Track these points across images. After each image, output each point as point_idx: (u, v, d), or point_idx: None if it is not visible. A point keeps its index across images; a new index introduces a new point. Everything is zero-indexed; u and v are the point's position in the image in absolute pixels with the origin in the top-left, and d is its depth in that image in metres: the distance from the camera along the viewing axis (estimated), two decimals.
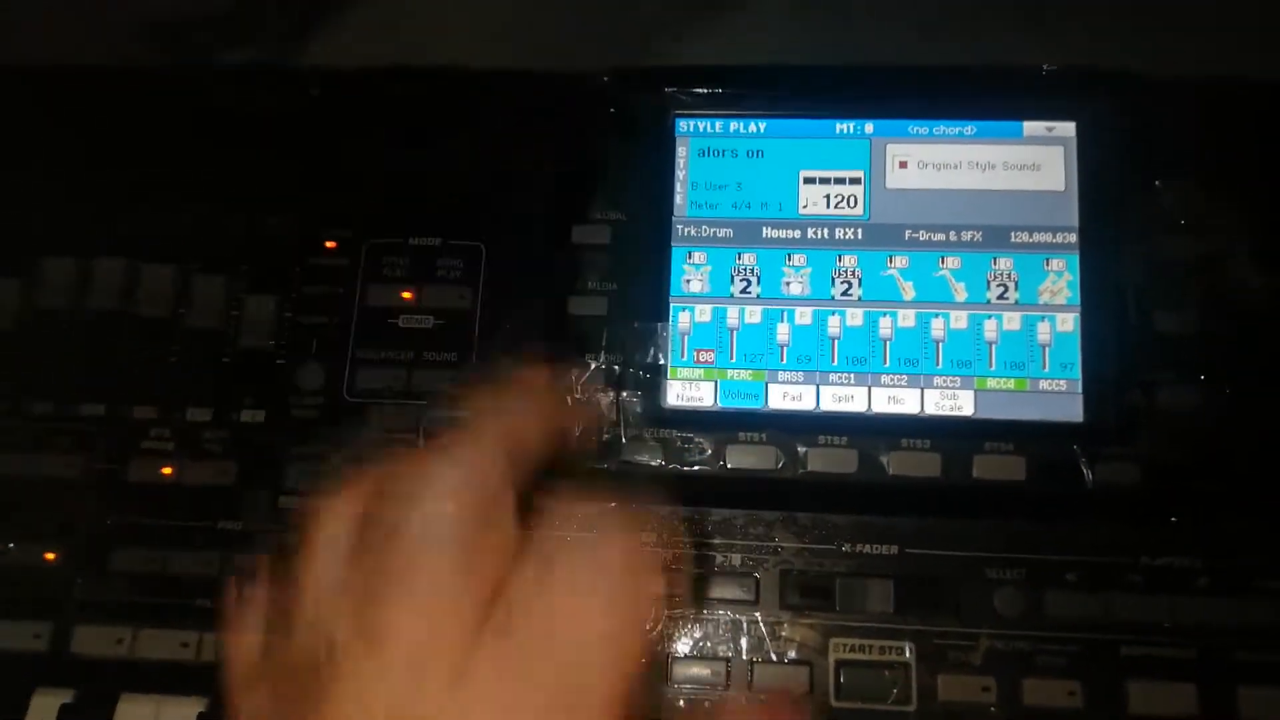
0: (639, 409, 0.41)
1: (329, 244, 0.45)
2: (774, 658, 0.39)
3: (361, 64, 0.49)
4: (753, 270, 0.43)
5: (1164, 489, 0.39)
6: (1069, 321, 0.41)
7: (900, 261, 0.43)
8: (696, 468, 0.41)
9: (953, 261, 0.42)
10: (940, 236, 0.43)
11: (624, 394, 0.41)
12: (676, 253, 0.43)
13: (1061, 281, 0.42)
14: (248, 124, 0.47)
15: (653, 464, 0.41)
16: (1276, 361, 0.40)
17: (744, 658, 0.39)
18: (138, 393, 0.43)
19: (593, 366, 0.42)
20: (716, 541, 0.41)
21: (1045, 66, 0.43)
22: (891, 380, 0.42)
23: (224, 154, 0.47)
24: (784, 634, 0.39)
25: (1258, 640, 0.39)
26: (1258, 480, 0.40)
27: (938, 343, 0.42)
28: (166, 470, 0.42)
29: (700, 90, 0.44)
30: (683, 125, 0.44)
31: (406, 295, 0.44)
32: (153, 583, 0.41)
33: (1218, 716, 0.38)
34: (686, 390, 0.42)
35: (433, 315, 0.44)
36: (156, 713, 0.41)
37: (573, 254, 0.43)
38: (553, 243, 0.43)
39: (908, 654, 0.39)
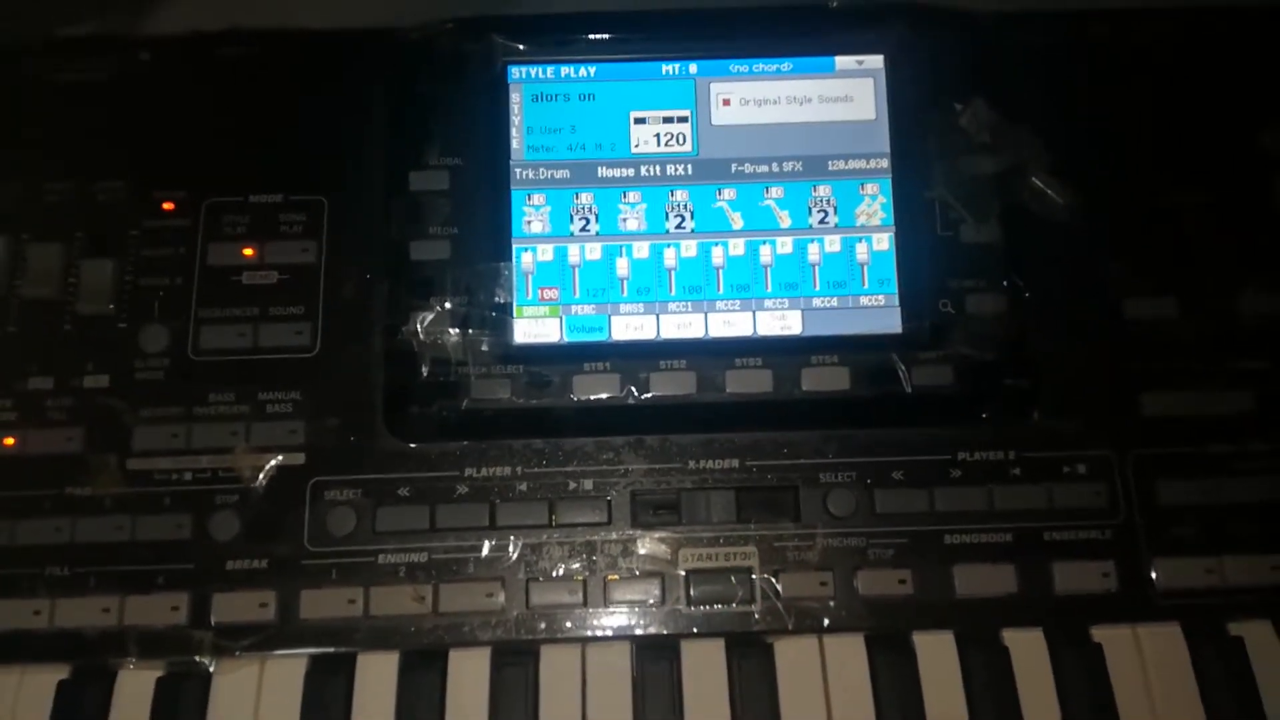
0: (486, 348, 0.43)
1: (166, 205, 0.44)
2: (627, 573, 0.41)
3: (193, 29, 0.48)
4: (590, 209, 0.45)
5: (975, 388, 0.43)
6: (885, 241, 0.44)
7: (728, 194, 0.45)
8: (546, 400, 0.42)
9: (776, 191, 0.45)
10: (764, 168, 0.45)
11: (470, 333, 0.43)
12: (516, 195, 0.44)
13: (876, 204, 0.45)
14: (79, 92, 0.46)
15: (503, 399, 0.42)
16: (1070, 264, 0.44)
17: (599, 575, 0.41)
18: None
19: (438, 309, 0.43)
20: (569, 469, 0.42)
21: (841, 2, 0.45)
22: (726, 305, 0.44)
23: (54, 122, 0.46)
24: (636, 550, 0.41)
25: (1066, 520, 0.42)
26: (1057, 375, 0.43)
27: (766, 268, 0.44)
28: (9, 441, 0.42)
29: (530, 37, 0.45)
30: (515, 72, 0.46)
31: (249, 252, 0.44)
32: (1, 554, 0.40)
33: (1035, 591, 0.41)
34: (533, 328, 0.44)
35: (277, 270, 0.44)
36: (19, 684, 0.40)
37: (412, 200, 0.44)
38: (393, 192, 0.44)
39: (751, 558, 0.41)
